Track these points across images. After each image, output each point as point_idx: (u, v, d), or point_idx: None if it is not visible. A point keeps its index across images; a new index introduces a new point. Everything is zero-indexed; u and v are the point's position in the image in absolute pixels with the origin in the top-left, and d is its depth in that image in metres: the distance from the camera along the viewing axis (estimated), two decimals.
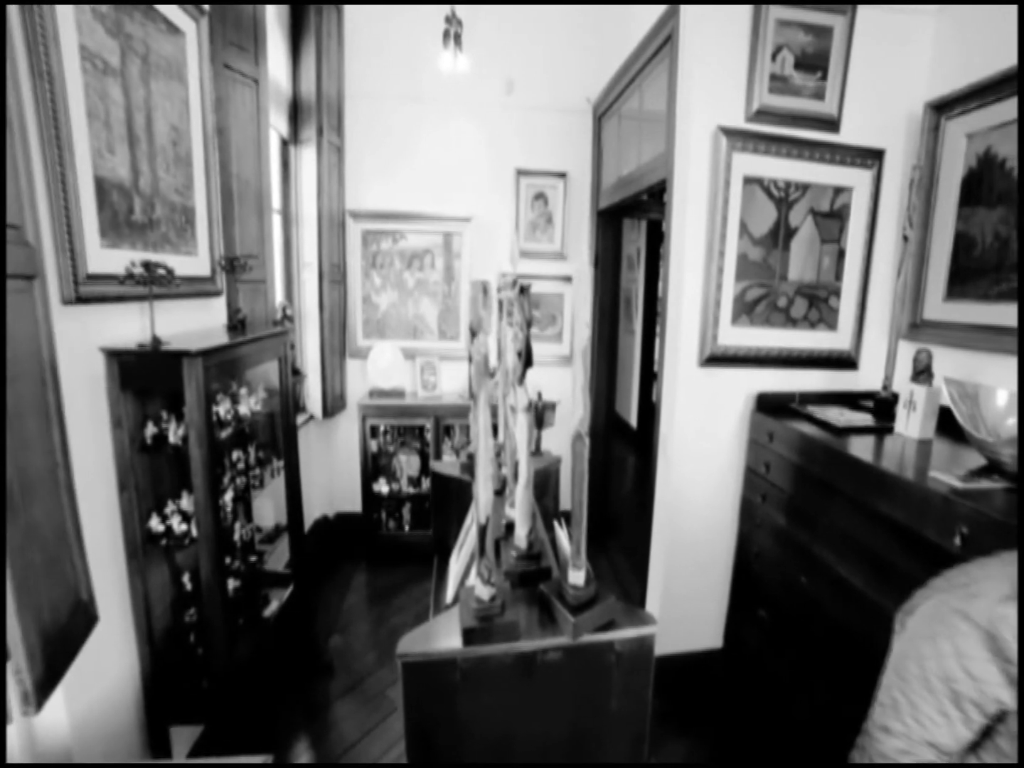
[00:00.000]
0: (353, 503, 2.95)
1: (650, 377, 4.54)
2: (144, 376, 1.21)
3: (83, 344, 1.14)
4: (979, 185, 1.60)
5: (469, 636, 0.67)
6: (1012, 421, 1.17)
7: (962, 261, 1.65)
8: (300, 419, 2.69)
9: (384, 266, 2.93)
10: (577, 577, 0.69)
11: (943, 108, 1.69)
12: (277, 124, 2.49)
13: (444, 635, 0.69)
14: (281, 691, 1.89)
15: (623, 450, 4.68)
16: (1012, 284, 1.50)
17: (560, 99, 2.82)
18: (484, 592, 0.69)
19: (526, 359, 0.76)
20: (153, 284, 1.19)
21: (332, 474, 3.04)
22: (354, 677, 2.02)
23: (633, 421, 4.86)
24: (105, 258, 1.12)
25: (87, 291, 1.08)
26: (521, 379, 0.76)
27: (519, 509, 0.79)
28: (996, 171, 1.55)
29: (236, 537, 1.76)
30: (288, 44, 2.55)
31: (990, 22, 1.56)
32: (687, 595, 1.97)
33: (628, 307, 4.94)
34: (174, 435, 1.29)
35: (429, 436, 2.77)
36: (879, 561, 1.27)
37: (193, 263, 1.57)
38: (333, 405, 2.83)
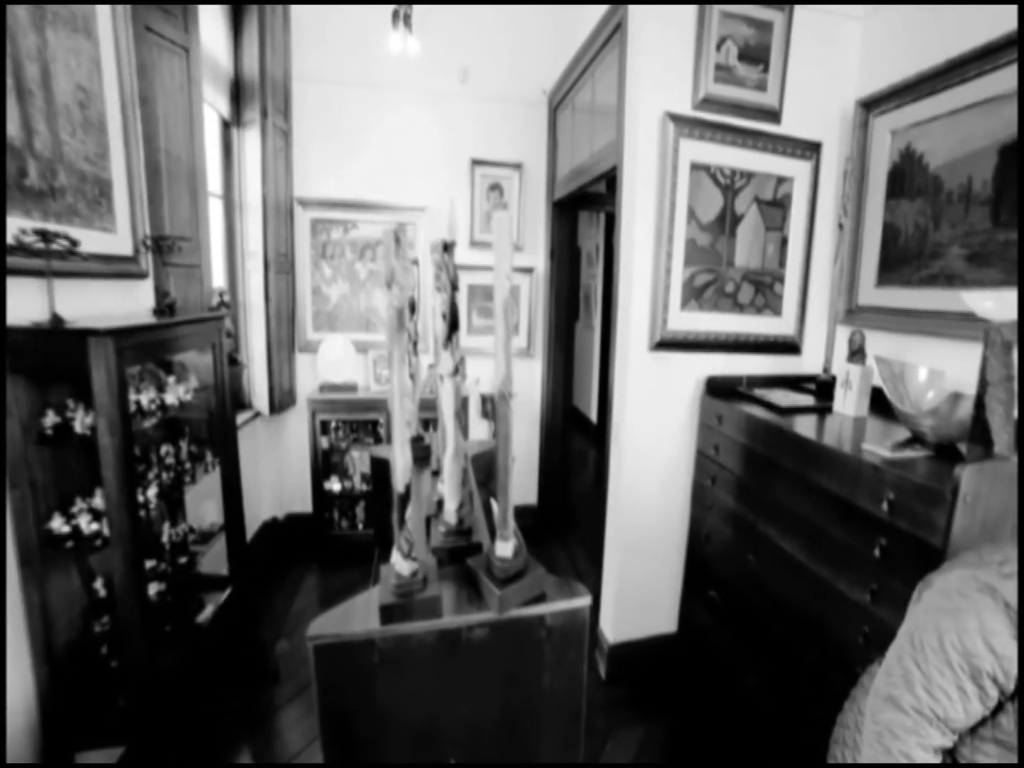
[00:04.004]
0: (304, 503, 2.82)
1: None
2: (41, 358, 1.08)
3: None
4: (902, 178, 1.69)
5: (387, 613, 0.61)
6: (931, 395, 1.23)
7: (890, 250, 1.73)
8: (246, 416, 2.55)
9: (335, 256, 2.82)
10: (504, 549, 0.66)
11: (871, 106, 1.77)
12: (216, 103, 2.36)
13: (362, 615, 0.64)
14: (221, 701, 1.77)
15: (583, 444, 4.71)
16: (930, 271, 1.59)
17: (516, 90, 2.80)
18: (404, 567, 0.64)
19: (451, 321, 0.71)
20: (51, 256, 1.07)
21: (282, 474, 2.90)
22: (301, 683, 1.92)
23: (593, 416, 4.91)
24: None
25: None
26: (446, 343, 0.72)
27: (447, 482, 0.75)
28: (915, 166, 1.64)
29: (165, 538, 1.63)
30: (228, 18, 2.41)
31: (910, 28, 1.65)
32: (642, 582, 1.97)
33: (587, 303, 4.98)
34: (81, 425, 1.17)
35: (383, 431, 2.68)
36: (818, 533, 1.31)
37: (110, 240, 1.44)
38: (281, 401, 2.70)
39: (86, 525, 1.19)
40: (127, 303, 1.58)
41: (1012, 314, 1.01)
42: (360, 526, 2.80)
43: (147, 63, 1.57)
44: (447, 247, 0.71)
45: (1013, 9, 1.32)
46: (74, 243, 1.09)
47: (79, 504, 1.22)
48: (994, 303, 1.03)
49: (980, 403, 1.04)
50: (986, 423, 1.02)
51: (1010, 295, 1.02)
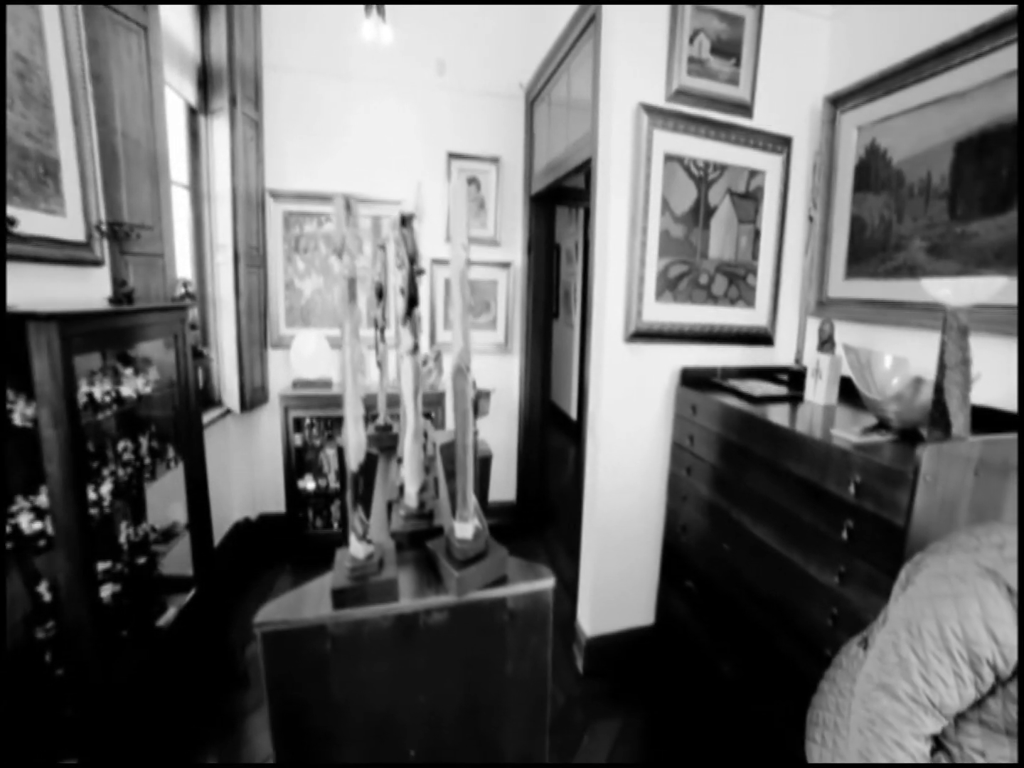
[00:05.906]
0: (277, 503, 2.74)
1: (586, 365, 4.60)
2: None
3: None
4: (867, 173, 1.73)
5: (340, 597, 0.58)
6: (896, 381, 1.25)
7: (857, 242, 1.77)
8: (216, 413, 2.47)
9: (308, 250, 2.76)
10: (464, 530, 0.63)
11: (838, 102, 1.81)
12: (182, 89, 2.27)
13: (315, 601, 0.61)
14: (186, 707, 1.69)
15: (563, 441, 4.71)
16: (895, 263, 1.63)
17: (493, 83, 2.78)
18: (359, 550, 0.61)
19: (410, 297, 0.69)
20: None
21: (254, 473, 2.81)
22: None
23: (573, 413, 4.91)
24: None
25: None
26: (405, 319, 0.69)
27: (407, 463, 0.72)
28: (880, 160, 1.68)
29: (122, 538, 1.55)
30: (195, 3, 2.33)
31: (873, 27, 1.69)
32: (620, 575, 1.97)
33: (567, 300, 4.99)
34: (21, 417, 1.10)
35: None
36: (790, 519, 1.32)
37: (59, 224, 1.37)
38: (253, 398, 2.62)
39: (27, 524, 1.11)
40: (80, 291, 1.50)
41: (967, 300, 1.04)
42: (335, 525, 2.74)
43: (100, 39, 1.50)
44: (405, 220, 0.68)
45: (965, 10, 1.36)
46: (11, 221, 1.03)
47: (20, 503, 1.14)
48: (951, 290, 1.06)
49: (939, 387, 1.06)
50: (945, 406, 1.05)
51: (965, 282, 1.05)
